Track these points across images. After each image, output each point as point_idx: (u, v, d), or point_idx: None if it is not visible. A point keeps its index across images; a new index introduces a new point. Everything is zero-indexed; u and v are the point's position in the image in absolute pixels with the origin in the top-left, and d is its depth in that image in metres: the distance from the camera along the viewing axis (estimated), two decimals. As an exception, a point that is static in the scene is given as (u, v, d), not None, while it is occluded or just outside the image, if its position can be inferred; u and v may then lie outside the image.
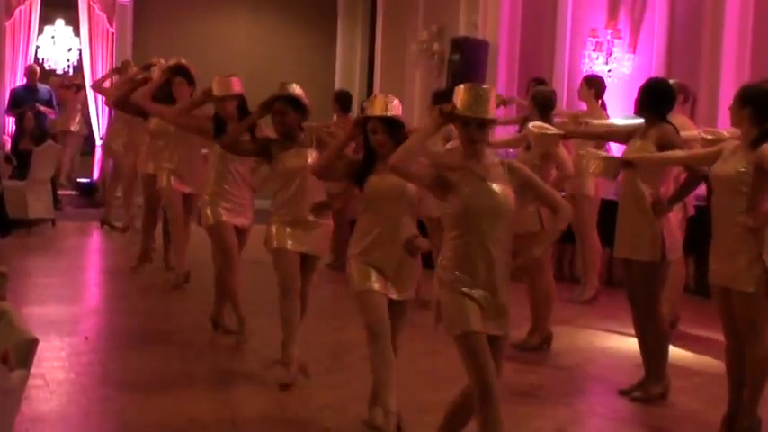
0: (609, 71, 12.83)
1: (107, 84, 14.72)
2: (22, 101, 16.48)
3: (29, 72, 16.80)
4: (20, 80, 17.15)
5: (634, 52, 12.89)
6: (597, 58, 13.06)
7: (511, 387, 7.40)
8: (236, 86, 7.97)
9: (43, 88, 16.72)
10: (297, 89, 7.12)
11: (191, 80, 9.67)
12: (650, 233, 6.99)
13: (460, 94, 5.04)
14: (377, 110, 5.93)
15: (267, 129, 7.66)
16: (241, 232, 8.29)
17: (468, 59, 13.78)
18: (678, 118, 8.63)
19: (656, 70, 12.10)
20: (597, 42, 13.13)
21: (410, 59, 16.26)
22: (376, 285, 5.91)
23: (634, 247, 7.08)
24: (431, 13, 15.98)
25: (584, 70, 12.91)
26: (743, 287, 6.06)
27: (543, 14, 13.96)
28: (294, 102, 7.06)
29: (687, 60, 11.70)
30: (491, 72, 13.96)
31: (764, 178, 6.01)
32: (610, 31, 13.07)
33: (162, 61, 10.50)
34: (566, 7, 13.63)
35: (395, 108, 5.96)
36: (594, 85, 10.65)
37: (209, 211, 8.14)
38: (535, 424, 6.72)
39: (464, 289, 4.97)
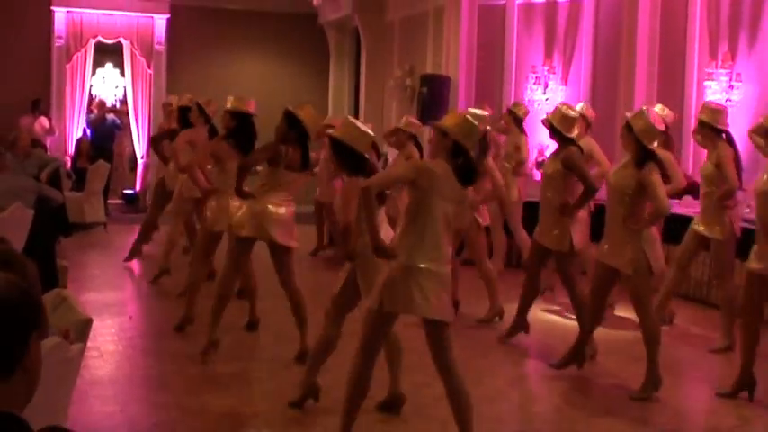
0: (546, 99, 12.87)
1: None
2: (97, 128, 16.58)
3: (99, 105, 16.89)
4: (78, 112, 17.15)
5: (566, 84, 12.93)
6: (536, 90, 13.11)
7: (472, 352, 7.45)
8: (251, 106, 7.66)
9: (110, 117, 16.78)
10: None
11: (207, 119, 9.49)
12: (560, 229, 7.19)
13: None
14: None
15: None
16: None
17: (434, 92, 13.78)
18: (585, 140, 8.90)
19: (584, 99, 12.13)
20: (536, 77, 13.16)
21: (388, 92, 16.25)
22: None
23: (549, 239, 7.28)
24: (404, 54, 15.99)
25: (527, 99, 12.96)
26: (626, 270, 6.27)
27: (493, 55, 13.97)
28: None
29: (607, 90, 11.76)
30: (452, 102, 13.97)
31: (644, 192, 6.24)
32: (546, 67, 13.10)
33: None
34: (511, 49, 13.66)
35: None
36: (515, 115, 10.58)
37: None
38: (490, 380, 6.77)
39: None
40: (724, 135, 7.59)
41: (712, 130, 7.55)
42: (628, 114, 6.51)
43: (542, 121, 7.73)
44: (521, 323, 7.78)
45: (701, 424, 6.28)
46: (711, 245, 7.64)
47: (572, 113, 7.44)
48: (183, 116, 9.98)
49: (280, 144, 6.72)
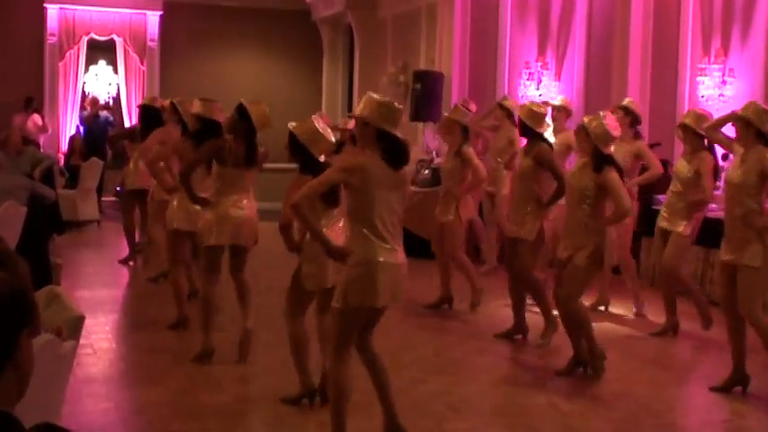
0: (539, 95, 12.85)
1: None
2: (90, 125, 16.58)
3: (92, 102, 16.84)
4: (70, 109, 17.12)
5: (559, 80, 12.92)
6: (530, 85, 13.09)
7: (467, 348, 7.46)
8: (217, 112, 7.28)
9: (103, 114, 16.79)
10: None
11: (180, 118, 9.33)
12: (530, 220, 7.45)
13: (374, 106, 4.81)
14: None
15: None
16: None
17: (427, 88, 13.79)
18: (565, 133, 9.02)
19: (577, 94, 12.15)
20: (530, 73, 13.14)
21: (381, 88, 16.24)
22: None
23: (518, 229, 7.51)
24: (397, 51, 16.00)
25: (520, 95, 12.95)
26: (579, 261, 6.50)
27: (486, 51, 13.99)
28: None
29: (600, 86, 11.76)
30: (446, 98, 13.98)
31: (604, 193, 6.47)
32: (539, 63, 13.09)
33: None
34: (504, 45, 13.68)
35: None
36: (506, 109, 10.60)
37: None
38: (486, 376, 6.77)
39: None
40: (706, 142, 7.62)
41: (695, 135, 7.59)
42: (585, 119, 6.62)
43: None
44: (551, 323, 7.63)
45: (694, 418, 6.28)
46: (670, 237, 7.73)
47: (541, 110, 7.63)
48: (145, 114, 9.89)
49: (221, 139, 6.69)
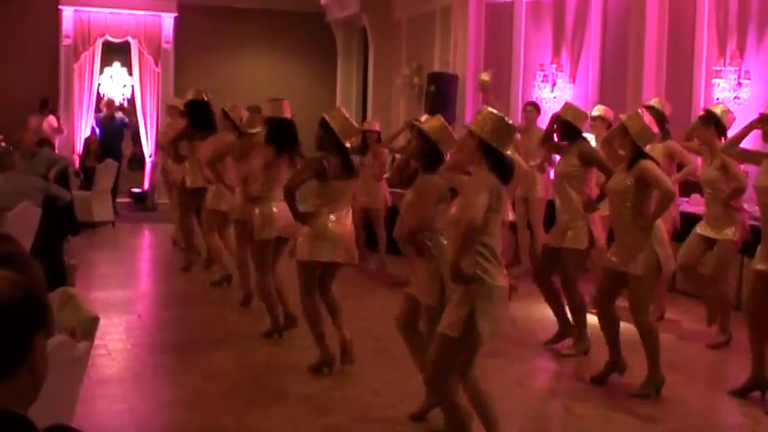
0: (554, 97, 12.84)
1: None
2: (105, 127, 16.62)
3: (108, 103, 16.90)
4: (86, 111, 17.18)
5: (574, 82, 12.89)
6: (544, 87, 13.07)
7: (480, 350, 7.43)
8: (287, 109, 7.43)
9: (118, 115, 16.82)
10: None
11: (234, 125, 9.23)
12: (578, 226, 7.21)
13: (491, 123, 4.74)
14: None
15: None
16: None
17: (441, 90, 13.76)
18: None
19: (591, 97, 12.12)
20: (544, 75, 13.12)
21: (396, 91, 16.25)
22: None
23: (565, 238, 7.26)
24: (412, 52, 15.98)
25: (534, 97, 12.92)
26: (636, 272, 6.22)
27: (501, 53, 13.96)
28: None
29: (615, 88, 11.72)
30: (460, 100, 13.96)
31: (645, 188, 6.21)
32: (554, 65, 13.07)
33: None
34: (519, 47, 13.65)
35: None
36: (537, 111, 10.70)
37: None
38: (498, 377, 6.75)
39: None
40: (724, 140, 7.51)
41: (716, 130, 7.46)
42: (622, 116, 6.49)
43: (552, 117, 7.68)
44: (566, 329, 7.60)
45: (710, 422, 6.24)
46: (717, 244, 7.57)
47: (583, 110, 7.51)
48: (195, 111, 9.98)
49: (320, 158, 6.50)
